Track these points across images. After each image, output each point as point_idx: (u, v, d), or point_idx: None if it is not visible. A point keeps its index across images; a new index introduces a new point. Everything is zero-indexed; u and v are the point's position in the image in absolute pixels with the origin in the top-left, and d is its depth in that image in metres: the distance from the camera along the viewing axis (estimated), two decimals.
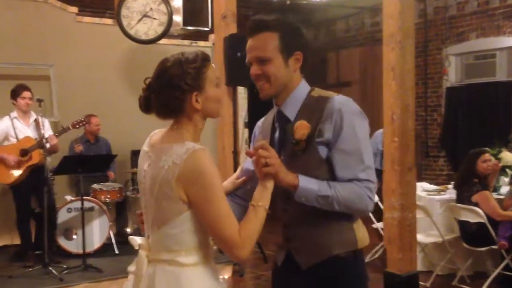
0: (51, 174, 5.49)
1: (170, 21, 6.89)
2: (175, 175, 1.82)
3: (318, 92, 2.11)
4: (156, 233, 1.93)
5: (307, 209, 2.00)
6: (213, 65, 1.98)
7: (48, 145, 5.61)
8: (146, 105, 1.95)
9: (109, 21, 7.36)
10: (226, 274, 5.95)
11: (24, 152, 5.62)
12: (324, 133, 1.99)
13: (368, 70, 10.34)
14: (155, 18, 6.84)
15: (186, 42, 8.05)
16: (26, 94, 5.77)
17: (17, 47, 6.76)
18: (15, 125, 5.79)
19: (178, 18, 7.52)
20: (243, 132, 7.31)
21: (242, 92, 7.82)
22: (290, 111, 2.10)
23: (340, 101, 2.04)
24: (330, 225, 2.05)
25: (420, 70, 9.06)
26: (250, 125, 7.85)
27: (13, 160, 5.63)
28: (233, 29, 6.65)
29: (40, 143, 5.55)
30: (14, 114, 5.82)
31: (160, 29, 6.83)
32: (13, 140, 5.77)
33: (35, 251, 5.78)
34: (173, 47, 7.52)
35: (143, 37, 6.78)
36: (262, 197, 1.92)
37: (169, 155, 1.85)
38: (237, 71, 6.31)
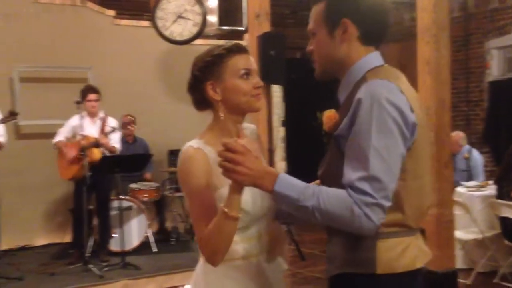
0: (89, 174, 5.60)
1: (204, 22, 6.94)
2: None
3: (375, 72, 1.70)
4: None
5: None
6: (249, 57, 1.88)
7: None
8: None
9: (145, 23, 7.46)
10: None
11: (82, 150, 5.78)
12: (341, 124, 1.67)
13: (407, 66, 10.14)
14: (189, 19, 6.90)
15: (222, 42, 8.05)
16: (91, 96, 5.94)
17: (56, 51, 6.94)
18: (83, 124, 5.96)
19: (213, 18, 7.56)
20: (277, 131, 7.30)
21: (277, 90, 7.82)
22: (342, 95, 1.78)
23: (368, 86, 1.63)
24: (349, 237, 1.67)
25: (461, 64, 8.87)
26: (287, 124, 7.84)
27: (71, 156, 5.82)
28: (266, 27, 6.62)
29: (95, 143, 5.73)
30: (84, 112, 6.00)
31: (194, 30, 6.89)
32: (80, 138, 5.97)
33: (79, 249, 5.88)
34: (208, 48, 7.57)
35: (178, 38, 6.85)
36: (227, 201, 1.65)
37: None
38: (271, 70, 6.29)
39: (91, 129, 5.90)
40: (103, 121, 5.90)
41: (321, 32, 1.76)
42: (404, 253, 1.67)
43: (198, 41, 7.47)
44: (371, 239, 1.64)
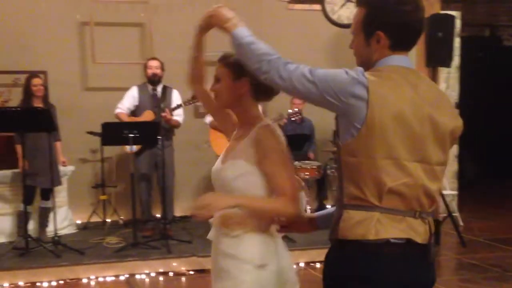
0: None
1: None
2: None
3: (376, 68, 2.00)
4: None
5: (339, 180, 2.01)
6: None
7: None
8: None
9: (317, 7, 7.62)
10: None
11: None
12: None
13: None
14: None
15: None
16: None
17: None
18: None
19: None
20: None
21: (452, 71, 7.54)
22: None
23: None
24: (336, 210, 2.02)
25: None
26: (461, 106, 7.53)
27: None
28: (437, 8, 6.48)
29: None
30: None
31: None
32: None
33: None
34: None
35: (345, 22, 6.95)
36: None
37: None
38: (437, 51, 6.16)
39: None
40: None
41: (359, 37, 2.02)
42: (359, 224, 1.88)
43: None
44: (342, 209, 1.93)
